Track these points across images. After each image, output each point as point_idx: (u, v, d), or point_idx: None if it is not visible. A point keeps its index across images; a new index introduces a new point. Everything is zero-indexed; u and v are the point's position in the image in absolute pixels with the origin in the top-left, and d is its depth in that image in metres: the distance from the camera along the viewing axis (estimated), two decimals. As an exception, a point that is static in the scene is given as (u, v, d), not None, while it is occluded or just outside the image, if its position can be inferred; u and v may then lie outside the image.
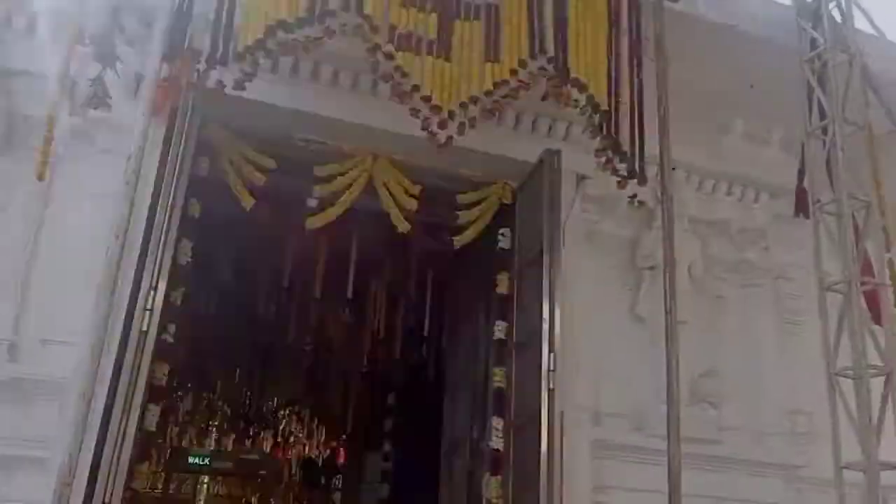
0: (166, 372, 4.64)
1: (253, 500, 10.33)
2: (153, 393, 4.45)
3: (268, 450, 11.22)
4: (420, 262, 7.56)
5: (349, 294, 7.33)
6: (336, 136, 5.35)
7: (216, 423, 10.20)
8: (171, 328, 4.73)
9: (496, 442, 5.36)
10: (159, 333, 4.41)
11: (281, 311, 8.44)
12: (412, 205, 5.51)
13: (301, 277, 7.59)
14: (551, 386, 4.88)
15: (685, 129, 5.90)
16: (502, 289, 5.69)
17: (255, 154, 5.18)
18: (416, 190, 5.54)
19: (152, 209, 4.46)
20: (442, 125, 4.23)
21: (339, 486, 10.70)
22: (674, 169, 6.05)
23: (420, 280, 7.82)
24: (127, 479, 4.04)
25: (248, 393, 10.02)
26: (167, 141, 4.57)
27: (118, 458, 4.01)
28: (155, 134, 4.52)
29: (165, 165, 4.55)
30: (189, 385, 9.63)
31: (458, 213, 5.67)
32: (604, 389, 5.73)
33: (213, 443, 10.32)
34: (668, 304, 4.66)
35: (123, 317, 4.21)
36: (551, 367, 4.92)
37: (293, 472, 11.12)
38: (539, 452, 4.75)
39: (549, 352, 4.96)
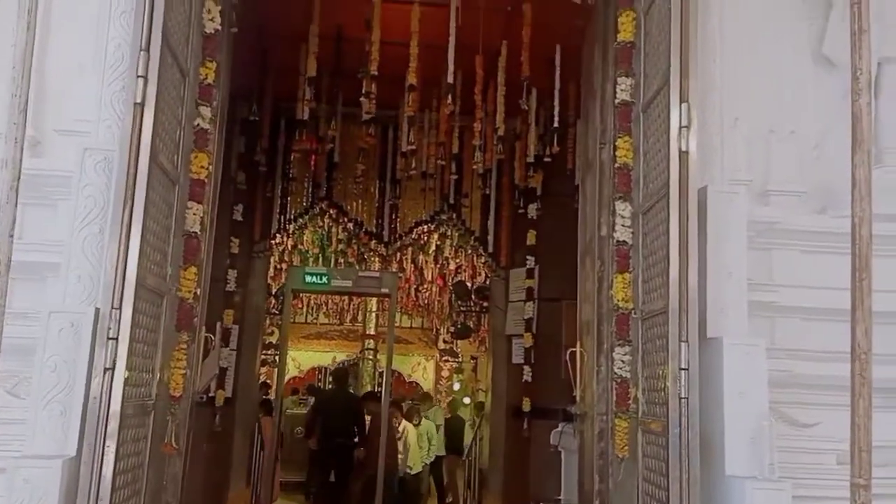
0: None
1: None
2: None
3: (412, 270, 10.92)
4: (540, 30, 6.23)
5: (450, 80, 6.17)
6: None
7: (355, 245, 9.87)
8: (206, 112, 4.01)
9: (622, 233, 4.21)
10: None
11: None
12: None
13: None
14: (683, 148, 3.56)
15: None
16: (626, 35, 4.28)
17: None
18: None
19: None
20: None
21: (486, 307, 10.19)
22: None
23: (543, 55, 6.50)
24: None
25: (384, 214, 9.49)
26: None
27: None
28: None
29: None
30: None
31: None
32: (775, 157, 4.28)
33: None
34: (855, 33, 2.97)
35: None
36: (683, 123, 3.57)
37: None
38: (667, 237, 3.54)
39: (681, 101, 3.59)
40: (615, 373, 4.07)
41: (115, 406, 3.06)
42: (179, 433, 3.86)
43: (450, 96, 6.50)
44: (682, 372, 3.28)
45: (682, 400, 3.25)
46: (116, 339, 3.11)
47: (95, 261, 3.42)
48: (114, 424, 3.05)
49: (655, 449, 3.54)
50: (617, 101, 4.29)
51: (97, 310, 3.20)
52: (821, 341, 3.85)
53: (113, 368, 3.08)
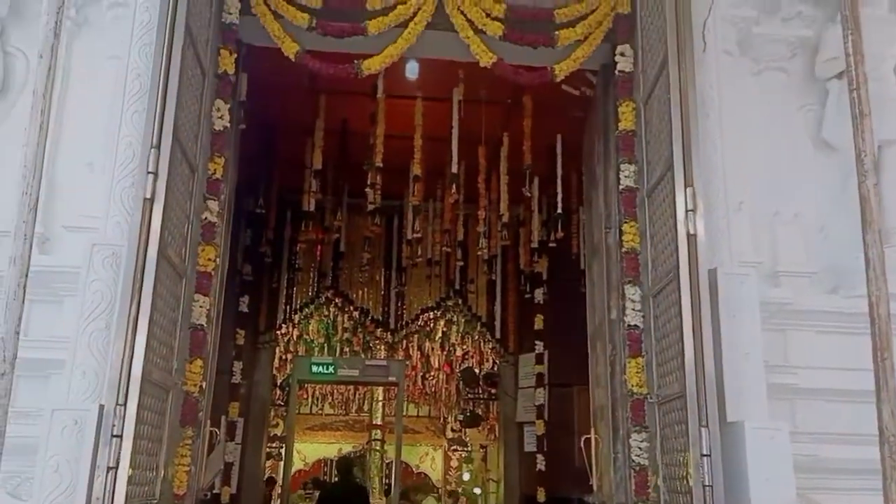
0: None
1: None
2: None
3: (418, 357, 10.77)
4: (540, 121, 6.37)
5: (453, 169, 6.28)
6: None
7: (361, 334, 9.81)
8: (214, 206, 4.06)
9: (633, 317, 4.16)
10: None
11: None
12: (496, 30, 4.33)
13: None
14: (691, 231, 3.56)
15: None
16: (627, 124, 4.37)
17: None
18: (500, 10, 4.34)
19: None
20: None
21: (495, 394, 10.02)
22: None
23: (544, 144, 6.63)
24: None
25: (390, 301, 9.47)
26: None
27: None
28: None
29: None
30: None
31: (558, 33, 4.38)
32: (782, 239, 4.31)
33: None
34: (856, 118, 3.02)
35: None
36: (689, 207, 3.59)
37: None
38: (680, 320, 3.50)
39: (686, 186, 3.62)
40: (633, 460, 3.95)
41: (118, 507, 2.95)
42: (183, 535, 3.71)
43: (454, 186, 6.60)
44: (705, 458, 3.17)
45: (707, 488, 3.13)
46: (121, 436, 3.03)
47: (101, 356, 3.38)
48: (116, 527, 2.93)
49: (680, 541, 3.39)
50: (621, 187, 4.33)
51: (101, 407, 3.13)
52: (845, 424, 3.76)
53: (116, 467, 2.99)
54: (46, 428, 3.18)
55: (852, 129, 2.89)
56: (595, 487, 4.77)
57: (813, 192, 4.47)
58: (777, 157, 4.41)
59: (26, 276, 2.45)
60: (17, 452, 3.07)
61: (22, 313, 2.44)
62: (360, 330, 9.86)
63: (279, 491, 10.07)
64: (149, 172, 3.40)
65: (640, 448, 3.93)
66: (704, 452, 3.19)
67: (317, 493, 12.17)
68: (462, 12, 4.33)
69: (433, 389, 14.19)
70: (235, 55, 4.34)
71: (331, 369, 8.35)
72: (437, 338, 11.05)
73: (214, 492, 6.94)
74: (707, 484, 3.15)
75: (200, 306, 4.00)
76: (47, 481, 3.11)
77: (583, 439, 4.91)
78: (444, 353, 12.25)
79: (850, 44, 2.86)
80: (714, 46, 4.26)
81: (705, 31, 4.22)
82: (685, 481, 3.32)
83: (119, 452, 3.02)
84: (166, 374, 3.60)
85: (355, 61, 4.36)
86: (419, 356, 12.39)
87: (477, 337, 9.90)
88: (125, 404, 3.08)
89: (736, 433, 3.33)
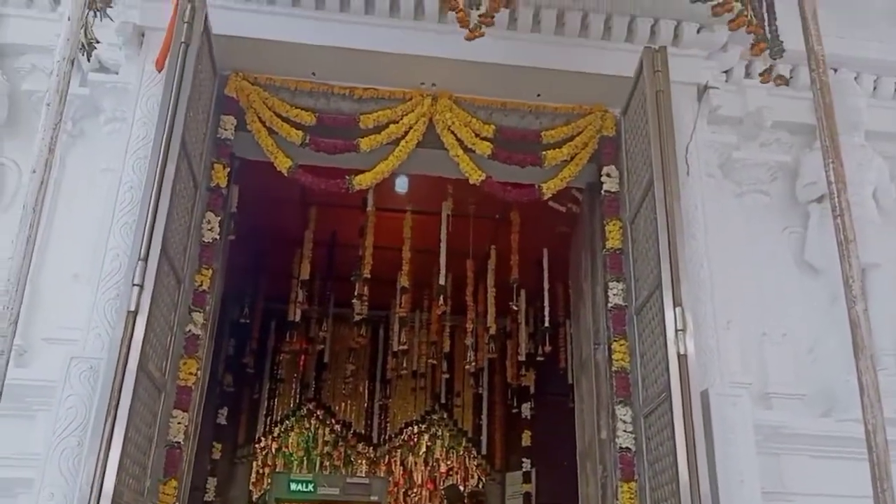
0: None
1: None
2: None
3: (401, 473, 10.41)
4: (527, 235, 6.46)
5: (441, 281, 6.30)
6: (381, 75, 4.40)
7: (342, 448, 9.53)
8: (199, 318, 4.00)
9: (624, 438, 4.05)
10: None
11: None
12: (485, 149, 4.44)
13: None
14: (682, 351, 3.52)
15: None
16: (614, 242, 4.41)
17: (289, 108, 4.36)
18: (489, 130, 4.47)
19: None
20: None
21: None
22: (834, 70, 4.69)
23: (531, 258, 6.69)
24: None
25: (373, 414, 9.25)
26: (170, 91, 3.76)
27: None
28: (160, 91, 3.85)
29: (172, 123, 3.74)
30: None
31: (545, 153, 4.49)
32: (771, 361, 4.29)
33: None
34: (842, 243, 3.06)
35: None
36: (679, 327, 3.57)
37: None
38: (674, 443, 3.40)
39: (674, 305, 3.61)
40: None
41: None
42: None
43: (441, 297, 6.59)
44: None
45: None
46: (86, 566, 2.84)
47: (70, 476, 3.23)
48: None
49: None
50: (610, 304, 4.32)
51: (67, 532, 2.96)
52: (846, 556, 3.60)
53: None
54: (7, 556, 2.99)
55: (838, 255, 2.92)
56: None
57: (800, 313, 4.49)
58: (763, 277, 4.46)
59: (0, 392, 2.36)
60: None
61: (-9, 433, 2.33)
62: (341, 444, 9.57)
63: None
64: (134, 285, 3.35)
65: (638, 582, 3.74)
66: (705, 590, 3.03)
67: None
68: (452, 132, 4.44)
69: (415, 508, 13.65)
70: (228, 169, 4.39)
71: (310, 487, 8.05)
72: (420, 453, 10.72)
73: None
74: None
75: (179, 422, 3.86)
76: None
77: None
78: (428, 468, 11.87)
79: (831, 172, 2.93)
80: (697, 169, 4.37)
81: (688, 156, 4.34)
82: None
83: (82, 583, 2.82)
84: (138, 494, 3.42)
85: (347, 177, 4.43)
86: (402, 472, 11.98)
87: (462, 452, 9.63)
88: (92, 531, 2.90)
89: (736, 565, 3.17)
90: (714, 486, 3.36)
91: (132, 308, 3.31)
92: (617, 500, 4.03)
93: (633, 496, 3.89)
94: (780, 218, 4.70)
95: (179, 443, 3.82)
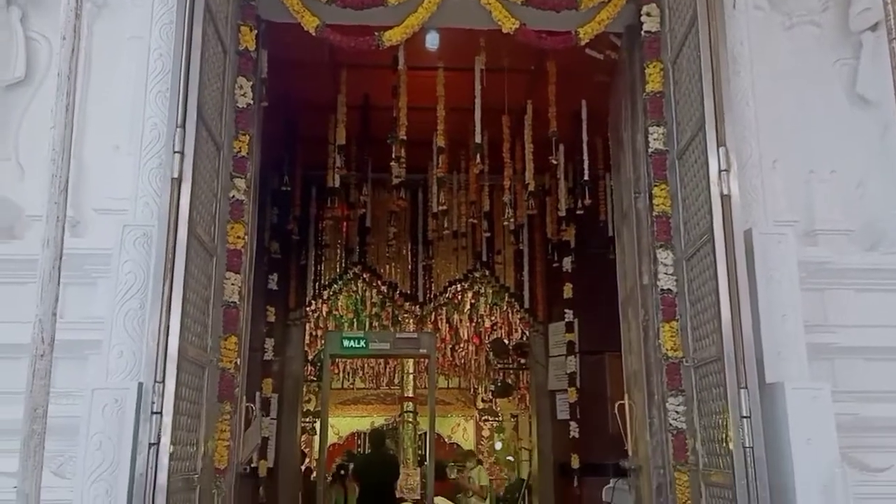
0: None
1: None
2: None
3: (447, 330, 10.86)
4: (564, 87, 6.28)
5: (477, 139, 6.23)
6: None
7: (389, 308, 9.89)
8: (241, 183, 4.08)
9: (665, 281, 4.11)
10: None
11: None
12: (518, -8, 4.24)
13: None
14: (725, 191, 3.48)
15: None
16: (654, 85, 4.28)
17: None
18: (521, -29, 4.26)
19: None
20: None
21: (525, 364, 10.04)
22: None
23: (568, 111, 6.54)
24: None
25: (418, 275, 9.47)
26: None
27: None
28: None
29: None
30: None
31: (581, -8, 4.28)
32: (818, 199, 4.21)
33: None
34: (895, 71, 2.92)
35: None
36: (723, 167, 3.51)
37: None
38: (716, 282, 3.44)
39: (718, 146, 3.53)
40: (670, 424, 3.92)
41: (162, 481, 3.00)
42: (225, 507, 3.77)
43: (478, 156, 6.53)
44: (745, 420, 3.13)
45: (747, 449, 3.10)
46: (160, 412, 3.07)
47: (137, 336, 3.41)
48: (161, 500, 2.98)
49: (721, 502, 3.36)
50: (650, 150, 4.25)
51: (140, 384, 3.17)
52: (887, 381, 3.69)
53: (158, 443, 3.03)
54: (87, 407, 3.23)
55: (892, 80, 2.80)
56: (630, 452, 4.76)
57: (849, 149, 4.36)
58: (811, 113, 4.31)
59: (60, 257, 2.47)
60: (60, 432, 3.14)
61: (58, 295, 2.46)
62: (388, 304, 9.90)
63: (314, 464, 10.25)
64: (175, 152, 3.40)
65: (676, 412, 3.90)
66: (744, 414, 3.15)
67: (350, 465, 12.36)
68: (482, -24, 4.25)
69: (463, 361, 14.28)
70: (255, 31, 4.30)
71: (362, 343, 8.41)
72: (465, 310, 11.08)
73: (252, 466, 7.04)
74: (747, 445, 3.11)
75: (232, 284, 4.01)
76: (90, 459, 3.16)
77: (616, 405, 4.88)
78: (473, 324, 12.30)
79: (888, -8, 2.75)
80: (744, 2, 4.14)
81: (734, -14, 4.10)
82: (725, 444, 3.29)
83: (160, 428, 3.06)
84: (201, 351, 3.63)
85: (376, 33, 4.31)
86: (448, 329, 12.45)
87: (505, 307, 9.88)
88: (163, 381, 3.11)
89: (776, 394, 3.28)
90: (756, 322, 3.42)
91: (175, 175, 3.38)
92: (659, 339, 4.14)
93: (674, 335, 3.99)
94: (831, 50, 4.48)
95: (235, 302, 3.99)
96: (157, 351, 3.15)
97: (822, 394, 3.25)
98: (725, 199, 3.46)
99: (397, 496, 10.68)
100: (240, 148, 4.21)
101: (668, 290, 4.09)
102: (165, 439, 3.06)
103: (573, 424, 8.00)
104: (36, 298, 2.40)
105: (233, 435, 3.98)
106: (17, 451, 2.27)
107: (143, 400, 3.13)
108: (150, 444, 3.04)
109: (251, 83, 4.28)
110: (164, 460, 3.05)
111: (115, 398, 3.20)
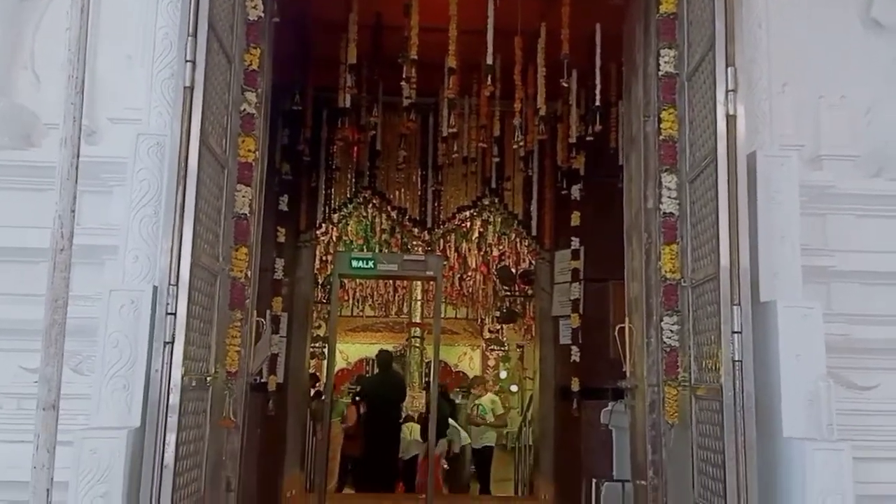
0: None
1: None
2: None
3: (455, 258, 11.00)
4: (578, 10, 6.21)
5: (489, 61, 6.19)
6: None
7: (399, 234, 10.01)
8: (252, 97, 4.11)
9: (668, 204, 4.16)
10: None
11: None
12: None
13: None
14: (731, 112, 3.50)
15: None
16: (668, 6, 4.23)
17: None
18: None
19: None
20: None
21: (531, 292, 10.19)
22: None
23: (583, 35, 6.46)
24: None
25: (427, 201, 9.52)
26: None
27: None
28: None
29: None
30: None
31: None
32: (826, 124, 4.22)
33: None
34: None
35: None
36: (730, 87, 3.52)
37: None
38: (716, 203, 3.49)
39: (727, 66, 3.53)
40: (664, 342, 4.04)
41: (176, 378, 3.16)
42: (237, 409, 3.95)
43: (489, 78, 6.50)
44: (735, 335, 3.24)
45: (736, 363, 3.22)
46: (174, 314, 3.20)
47: (151, 241, 3.53)
48: (175, 397, 3.14)
49: (709, 414, 3.51)
50: (660, 73, 4.24)
51: (155, 287, 3.30)
52: (880, 305, 3.79)
53: (172, 342, 3.18)
54: (105, 307, 3.37)
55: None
56: (628, 374, 4.90)
57: (861, 75, 4.33)
58: (824, 37, 4.26)
59: (77, 156, 2.55)
60: (78, 332, 3.26)
61: (75, 193, 2.55)
62: (397, 230, 9.99)
63: (322, 387, 10.56)
64: (187, 61, 3.44)
65: (671, 331, 4.01)
66: (735, 329, 3.25)
67: (358, 388, 12.73)
68: None
69: (470, 290, 14.49)
70: (266, -57, 4.27)
71: (370, 264, 8.54)
72: (473, 238, 11.18)
73: (262, 380, 7.28)
74: (736, 359, 3.22)
75: (243, 196, 4.10)
76: (108, 357, 3.32)
77: (617, 328, 5.00)
78: (481, 253, 12.42)
79: None
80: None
81: None
82: (715, 358, 3.41)
83: (174, 328, 3.20)
84: (213, 259, 3.75)
85: (388, -54, 4.26)
86: (456, 257, 12.59)
87: (514, 236, 9.96)
88: (177, 284, 3.23)
89: (768, 312, 3.38)
90: (754, 243, 3.49)
91: (187, 84, 3.43)
92: (659, 261, 4.23)
93: (673, 257, 4.07)
94: (850, -29, 4.40)
95: (245, 214, 4.09)
96: (171, 255, 3.27)
97: (813, 313, 3.35)
98: (731, 119, 3.48)
99: (404, 416, 11.07)
100: (251, 62, 4.23)
101: (671, 213, 4.15)
102: (180, 338, 3.21)
103: (575, 349, 8.16)
104: (55, 196, 2.49)
105: (243, 342, 4.13)
106: (39, 350, 2.39)
107: (158, 302, 3.27)
108: (165, 343, 3.19)
109: (262, -4, 4.28)
110: (179, 358, 3.20)
111: (132, 299, 3.34)
